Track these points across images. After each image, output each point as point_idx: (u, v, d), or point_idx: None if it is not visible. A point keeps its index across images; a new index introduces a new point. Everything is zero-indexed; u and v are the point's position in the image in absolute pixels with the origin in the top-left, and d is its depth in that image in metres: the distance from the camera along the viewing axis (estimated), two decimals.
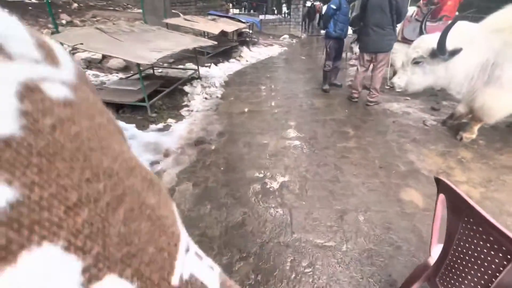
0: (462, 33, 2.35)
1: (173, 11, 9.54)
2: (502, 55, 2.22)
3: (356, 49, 7.10)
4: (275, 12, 21.07)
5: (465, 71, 2.36)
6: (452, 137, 2.93)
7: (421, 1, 7.64)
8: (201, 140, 2.93)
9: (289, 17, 13.95)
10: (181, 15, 7.76)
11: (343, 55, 6.34)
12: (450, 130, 3.05)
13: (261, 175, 2.33)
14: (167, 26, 5.45)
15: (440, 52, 2.25)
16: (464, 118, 2.83)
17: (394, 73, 4.54)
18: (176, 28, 5.79)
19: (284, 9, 17.63)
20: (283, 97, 4.37)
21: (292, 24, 13.77)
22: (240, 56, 7.67)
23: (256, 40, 10.97)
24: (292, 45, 11.05)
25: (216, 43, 4.69)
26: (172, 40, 3.72)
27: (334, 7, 3.78)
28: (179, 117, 3.46)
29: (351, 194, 2.10)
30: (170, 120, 3.33)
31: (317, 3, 17.63)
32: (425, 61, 2.42)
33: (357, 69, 3.84)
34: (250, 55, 8.18)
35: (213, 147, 2.80)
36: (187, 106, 3.84)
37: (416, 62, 2.47)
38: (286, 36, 13.45)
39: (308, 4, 16.13)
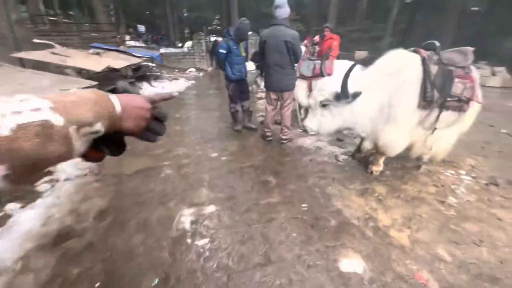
0: (360, 76, 2.38)
1: (44, 41, 7.64)
2: (394, 97, 2.31)
3: (261, 83, 7.37)
4: (180, 45, 20.78)
5: (368, 113, 2.37)
6: (363, 171, 2.94)
7: (305, 41, 8.79)
8: (66, 234, 1.91)
9: (192, 51, 13.79)
10: (57, 46, 6.20)
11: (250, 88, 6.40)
12: (360, 163, 3.10)
13: (160, 284, 1.56)
14: (21, 62, 4.03)
15: (344, 96, 2.16)
16: (370, 152, 2.89)
17: (300, 107, 4.69)
18: (39, 64, 4.38)
19: (188, 43, 17.55)
20: (192, 143, 3.74)
21: (197, 58, 13.64)
22: (138, 93, 6.63)
23: (159, 74, 10.11)
24: (199, 79, 10.72)
25: (95, 83, 3.68)
26: (13, 84, 2.55)
27: (224, 51, 3.55)
28: (30, 197, 2.28)
29: (288, 282, 1.59)
30: (10, 206, 2.13)
31: (219, 39, 18.39)
32: (332, 104, 2.31)
33: (266, 107, 3.64)
34: (152, 91, 7.26)
35: (85, 243, 1.84)
36: (49, 173, 2.66)
37: (323, 105, 2.34)
38: (192, 69, 13.12)
39: (213, 39, 16.59)
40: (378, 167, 2.85)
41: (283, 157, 3.32)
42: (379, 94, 2.33)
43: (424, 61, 2.30)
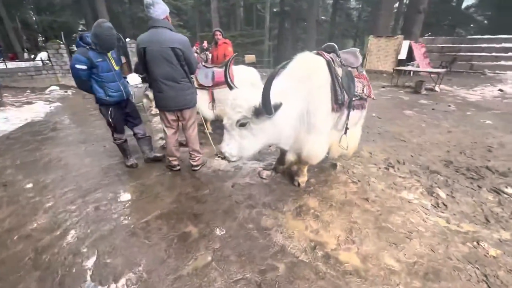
0: (274, 85, 2.04)
1: None
2: (311, 103, 2.10)
3: (151, 95, 6.26)
4: (31, 57, 15.86)
5: (290, 124, 2.07)
6: (290, 185, 2.71)
7: (194, 47, 8.22)
8: None
9: (50, 63, 10.64)
10: None
11: (139, 104, 5.27)
12: (284, 176, 2.85)
13: None
14: None
15: (267, 111, 1.76)
16: (294, 164, 2.67)
17: (205, 121, 4.11)
18: None
19: (43, 54, 13.49)
20: (62, 202, 2.52)
21: (60, 72, 10.63)
22: None
23: None
24: (68, 98, 8.31)
25: None
26: None
27: (84, 67, 2.50)
28: None
29: None
30: None
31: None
32: (251, 121, 1.87)
33: (165, 131, 2.87)
34: None
35: None
36: None
37: (241, 124, 1.87)
38: (54, 87, 10.13)
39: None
40: (304, 178, 2.67)
41: (200, 190, 2.67)
42: (296, 102, 2.07)
43: (329, 64, 2.20)
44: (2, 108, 6.73)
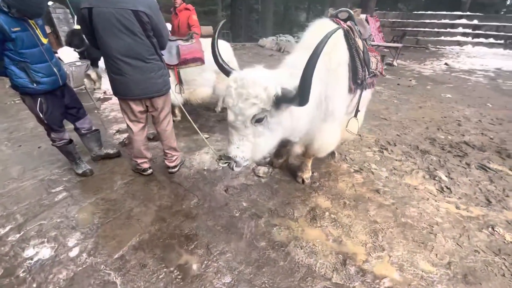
0: (290, 64, 1.55)
1: None
2: (330, 86, 1.67)
3: (94, 75, 5.04)
4: None
5: (307, 112, 1.62)
6: (293, 182, 2.34)
7: None
8: None
9: None
10: None
11: (84, 85, 4.18)
12: (285, 172, 2.46)
13: None
14: None
15: (304, 100, 1.28)
16: (297, 157, 2.28)
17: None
18: None
19: None
20: None
21: None
22: None
23: None
24: None
25: None
26: None
27: None
28: None
29: None
30: None
31: None
32: (268, 114, 1.37)
33: (129, 127, 2.16)
34: None
35: None
36: None
37: (258, 119, 1.36)
38: None
39: None
40: (308, 173, 2.32)
41: (185, 200, 2.12)
42: (315, 85, 1.61)
43: (348, 35, 1.77)
44: None
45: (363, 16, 12.02)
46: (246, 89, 1.30)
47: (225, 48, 3.70)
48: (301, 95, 1.24)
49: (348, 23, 1.90)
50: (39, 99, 1.95)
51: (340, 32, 1.76)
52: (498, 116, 4.27)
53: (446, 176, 2.52)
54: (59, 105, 2.13)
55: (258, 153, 1.52)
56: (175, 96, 3.41)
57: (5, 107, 4.31)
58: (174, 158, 2.41)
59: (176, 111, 3.68)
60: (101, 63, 2.84)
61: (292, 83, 1.36)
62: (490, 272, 1.59)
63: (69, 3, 12.23)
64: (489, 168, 2.71)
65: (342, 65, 1.74)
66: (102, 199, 2.12)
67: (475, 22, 12.39)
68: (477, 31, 12.14)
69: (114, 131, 3.32)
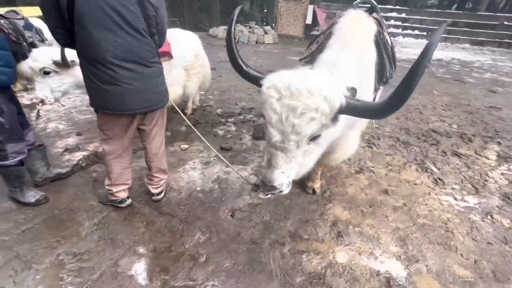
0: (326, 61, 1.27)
1: None
2: (362, 86, 1.45)
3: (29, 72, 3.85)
4: None
5: (347, 119, 1.36)
6: (302, 193, 2.11)
7: None
8: None
9: None
10: None
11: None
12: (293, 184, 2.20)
13: None
14: None
15: (392, 111, 1.00)
16: None
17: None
18: None
19: None
20: None
21: None
22: None
23: None
24: None
25: None
26: None
27: None
28: None
29: None
30: None
31: None
32: (324, 129, 1.06)
33: (107, 146, 1.59)
34: None
35: None
36: None
37: (314, 137, 1.05)
38: None
39: None
40: (318, 182, 2.11)
41: (185, 236, 1.69)
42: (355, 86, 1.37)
43: (380, 30, 1.56)
44: None
45: (310, 6, 12.29)
46: (301, 100, 0.96)
47: (192, 39, 3.18)
48: (392, 106, 0.95)
49: (375, 15, 1.69)
50: None
51: (374, 27, 1.53)
52: (445, 102, 4.77)
53: (434, 167, 2.63)
54: (14, 108, 1.64)
55: (301, 174, 1.22)
56: None
57: None
58: (161, 183, 1.92)
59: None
60: (36, 62, 2.06)
61: (340, 87, 1.08)
62: (509, 263, 1.64)
63: None
64: (461, 154, 2.93)
65: (372, 62, 1.54)
66: (67, 253, 1.53)
67: (403, 15, 13.88)
68: (405, 24, 13.62)
69: (61, 150, 2.55)
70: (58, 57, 2.14)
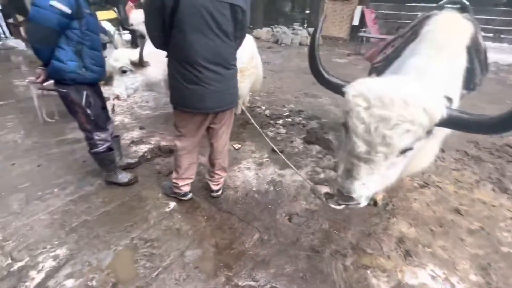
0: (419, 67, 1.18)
1: None
2: (451, 93, 1.31)
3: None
4: None
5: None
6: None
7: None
8: None
9: None
10: None
11: None
12: None
13: None
14: None
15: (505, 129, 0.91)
16: None
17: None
18: None
19: None
20: None
21: None
22: None
23: None
24: None
25: None
26: None
27: (68, 11, 1.44)
28: None
29: None
30: None
31: None
32: (417, 140, 0.98)
33: (179, 142, 1.69)
34: None
35: None
36: None
37: (406, 150, 0.98)
38: None
39: None
40: (381, 194, 1.97)
41: (245, 236, 1.71)
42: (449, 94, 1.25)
43: (474, 33, 1.41)
44: None
45: (359, 7, 11.75)
46: (395, 111, 0.90)
47: (249, 42, 3.23)
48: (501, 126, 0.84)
49: (467, 15, 1.53)
50: (85, 92, 1.70)
51: (470, 30, 1.39)
52: None
53: None
54: (100, 102, 1.86)
55: (383, 187, 1.15)
56: None
57: None
58: (221, 180, 1.98)
59: None
60: (116, 62, 2.29)
61: (438, 97, 0.98)
62: None
63: None
64: None
65: (462, 69, 1.39)
66: (140, 238, 1.66)
67: None
68: None
69: (128, 142, 2.78)
70: (135, 58, 2.35)
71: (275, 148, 1.80)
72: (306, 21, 14.55)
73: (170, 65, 1.43)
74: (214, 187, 1.98)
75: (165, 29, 1.28)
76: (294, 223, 1.81)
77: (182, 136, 1.68)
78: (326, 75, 1.18)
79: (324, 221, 1.83)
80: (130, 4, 5.93)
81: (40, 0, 1.37)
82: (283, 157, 1.71)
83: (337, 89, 1.13)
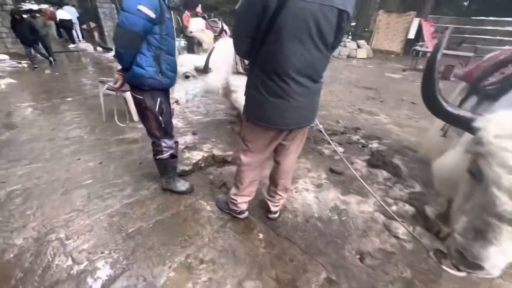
0: None
1: None
2: None
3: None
4: None
5: None
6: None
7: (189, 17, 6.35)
8: None
9: None
10: None
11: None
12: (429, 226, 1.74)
13: None
14: None
15: None
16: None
17: None
18: None
19: None
20: None
21: (10, 37, 8.04)
22: None
23: None
24: (25, 73, 6.17)
25: None
26: None
27: (153, 15, 1.40)
28: None
29: None
30: None
31: (45, 6, 12.00)
32: None
33: (245, 157, 1.54)
34: None
35: None
36: None
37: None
38: (3, 56, 7.70)
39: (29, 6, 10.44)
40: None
41: (309, 272, 1.48)
42: None
43: None
44: None
45: (416, 20, 10.92)
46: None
47: None
48: None
49: None
50: (159, 98, 1.66)
51: None
52: None
53: None
54: (170, 108, 1.81)
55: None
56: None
57: (56, 105, 3.94)
58: (281, 201, 1.80)
59: None
60: (181, 67, 2.28)
61: None
62: None
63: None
64: None
65: None
66: (195, 257, 1.53)
67: None
68: None
69: (182, 147, 2.76)
70: (199, 64, 2.32)
71: (365, 185, 1.54)
72: (350, 33, 13.96)
73: (253, 74, 1.29)
74: (272, 208, 1.79)
75: (257, 35, 1.15)
76: (367, 265, 1.52)
77: (249, 151, 1.53)
78: (447, 106, 0.91)
79: (404, 268, 1.51)
80: (186, 13, 6.24)
81: (129, 6, 1.36)
82: (368, 188, 1.45)
83: (464, 124, 0.87)
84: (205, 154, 2.55)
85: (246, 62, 2.52)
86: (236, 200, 1.73)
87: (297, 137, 1.51)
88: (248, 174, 1.61)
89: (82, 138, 2.92)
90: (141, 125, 3.28)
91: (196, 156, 2.56)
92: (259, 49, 1.19)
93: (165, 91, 1.74)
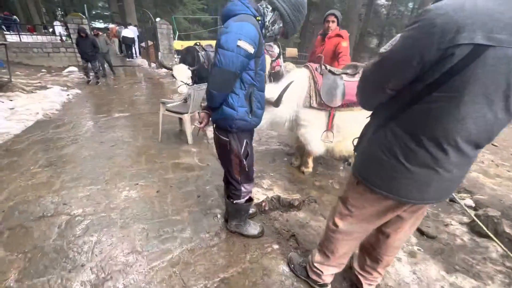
0: None
1: None
2: None
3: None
4: (49, 31, 14.18)
5: None
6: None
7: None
8: None
9: (69, 40, 9.00)
10: None
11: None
12: None
13: None
14: None
15: None
16: None
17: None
18: None
19: (60, 28, 11.77)
20: None
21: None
22: None
23: (7, 79, 5.68)
24: (89, 85, 6.70)
25: None
26: None
27: (252, 50, 1.17)
28: None
29: None
30: None
31: (112, 25, 13.37)
32: None
33: (339, 227, 1.21)
34: None
35: None
36: None
37: None
38: (73, 68, 8.54)
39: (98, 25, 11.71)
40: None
41: None
42: None
43: None
44: (10, 93, 5.16)
45: None
46: None
47: None
48: None
49: None
50: (245, 140, 1.45)
51: None
52: None
53: None
54: (253, 152, 1.57)
55: None
56: (319, 144, 2.53)
57: (117, 119, 4.04)
58: (378, 280, 1.40)
59: (310, 160, 2.77)
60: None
61: None
62: None
63: (173, 21, 13.11)
64: None
65: None
66: None
67: None
68: None
69: None
70: (269, 96, 2.09)
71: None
72: None
73: (387, 132, 0.98)
74: (366, 285, 1.40)
75: (412, 89, 0.84)
76: None
77: (351, 217, 1.19)
78: None
79: None
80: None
81: (229, 43, 1.15)
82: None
83: None
84: (268, 194, 2.26)
85: (324, 98, 2.25)
86: (321, 271, 1.38)
87: (421, 210, 1.14)
88: (345, 244, 1.27)
89: (140, 159, 2.85)
90: (195, 149, 3.18)
91: (256, 194, 2.28)
92: (408, 106, 0.88)
93: (251, 132, 1.52)
